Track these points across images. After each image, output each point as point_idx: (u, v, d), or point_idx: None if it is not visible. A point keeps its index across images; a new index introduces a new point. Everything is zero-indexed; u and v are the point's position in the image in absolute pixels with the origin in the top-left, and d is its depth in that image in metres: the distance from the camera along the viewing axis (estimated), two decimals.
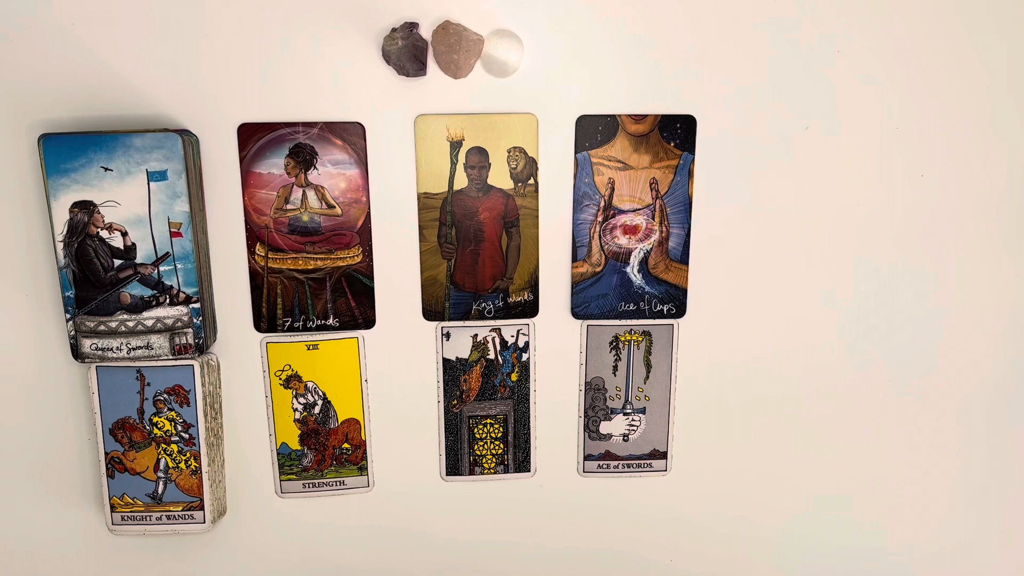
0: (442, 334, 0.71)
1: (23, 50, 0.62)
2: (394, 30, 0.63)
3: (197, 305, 0.65)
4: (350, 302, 0.69)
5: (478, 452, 0.74)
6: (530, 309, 0.71)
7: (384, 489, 0.75)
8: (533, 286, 0.70)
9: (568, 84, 0.66)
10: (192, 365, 0.67)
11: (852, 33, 0.66)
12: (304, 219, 0.67)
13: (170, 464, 0.69)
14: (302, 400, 0.72)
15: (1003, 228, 0.71)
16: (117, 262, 0.64)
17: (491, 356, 0.72)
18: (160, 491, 0.70)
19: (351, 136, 0.66)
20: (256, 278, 0.68)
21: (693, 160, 0.68)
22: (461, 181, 0.68)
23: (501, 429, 0.74)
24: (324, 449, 0.73)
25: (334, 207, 0.67)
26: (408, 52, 0.63)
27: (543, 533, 0.77)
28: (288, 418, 0.72)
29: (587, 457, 0.75)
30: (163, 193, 0.62)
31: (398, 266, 0.69)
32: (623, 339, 0.72)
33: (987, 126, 0.68)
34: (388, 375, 0.72)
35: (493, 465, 0.74)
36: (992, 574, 0.81)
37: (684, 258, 0.70)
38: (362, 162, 0.67)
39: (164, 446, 0.69)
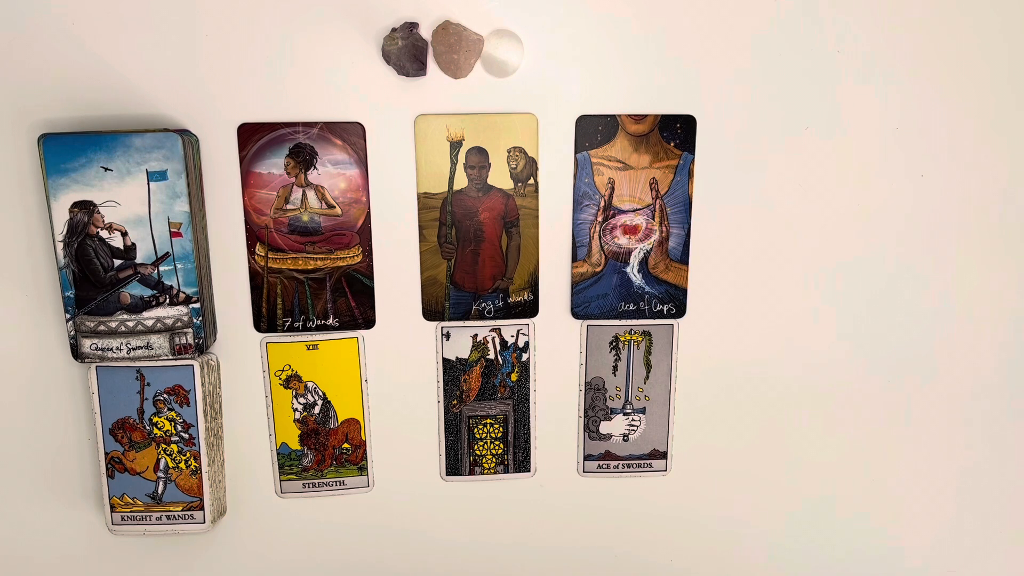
0: (442, 334, 0.71)
1: (23, 50, 0.62)
2: (394, 30, 0.63)
3: (197, 305, 0.65)
4: (350, 302, 0.69)
5: (478, 452, 0.74)
6: (530, 309, 0.71)
7: (384, 489, 0.75)
8: (533, 286, 0.70)
9: (568, 84, 0.66)
10: (192, 365, 0.67)
11: (852, 33, 0.66)
12: (304, 219, 0.67)
13: (170, 464, 0.69)
14: (302, 400, 0.72)
15: (1004, 228, 0.71)
16: (117, 262, 0.64)
17: (491, 356, 0.72)
18: (160, 491, 0.70)
19: (351, 136, 0.66)
20: (256, 278, 0.68)
21: (693, 160, 0.68)
22: (461, 181, 0.68)
23: (501, 429, 0.74)
24: (324, 449, 0.73)
25: (334, 207, 0.67)
26: (408, 52, 0.63)
27: (543, 533, 0.77)
28: (288, 418, 0.72)
29: (587, 457, 0.75)
30: (163, 193, 0.62)
31: (398, 266, 0.69)
32: (623, 339, 0.72)
33: (987, 126, 0.68)
34: (388, 375, 0.72)
35: (493, 465, 0.74)
36: None
37: (684, 258, 0.70)
38: (362, 162, 0.67)
39: (164, 446, 0.69)
